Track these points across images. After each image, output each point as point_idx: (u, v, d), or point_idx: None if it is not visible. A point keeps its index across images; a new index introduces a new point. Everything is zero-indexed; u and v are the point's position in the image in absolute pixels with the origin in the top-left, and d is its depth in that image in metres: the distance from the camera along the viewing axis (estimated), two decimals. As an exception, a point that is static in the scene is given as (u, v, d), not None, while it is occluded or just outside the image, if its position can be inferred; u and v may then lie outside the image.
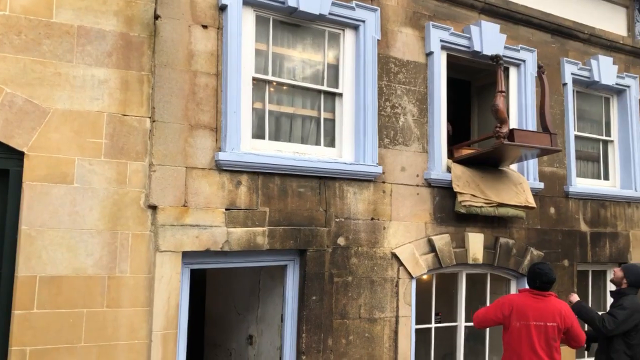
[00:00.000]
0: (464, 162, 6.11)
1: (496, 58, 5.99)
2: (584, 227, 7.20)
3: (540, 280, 4.76)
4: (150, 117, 4.56)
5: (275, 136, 5.33)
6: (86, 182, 4.27)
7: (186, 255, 4.64)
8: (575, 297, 5.52)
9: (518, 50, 6.68)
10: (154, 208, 4.50)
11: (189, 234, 4.60)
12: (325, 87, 5.55)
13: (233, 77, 4.86)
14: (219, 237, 4.72)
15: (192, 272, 6.86)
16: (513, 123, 6.67)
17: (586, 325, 5.52)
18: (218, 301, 6.73)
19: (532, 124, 6.69)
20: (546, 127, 6.00)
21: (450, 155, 6.26)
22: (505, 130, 5.63)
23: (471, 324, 6.35)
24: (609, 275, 7.55)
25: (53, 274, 4.12)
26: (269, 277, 5.64)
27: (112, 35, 4.46)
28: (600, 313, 5.36)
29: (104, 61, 4.41)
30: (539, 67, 6.28)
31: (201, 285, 7.21)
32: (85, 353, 4.18)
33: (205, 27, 4.85)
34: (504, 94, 5.83)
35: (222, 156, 4.72)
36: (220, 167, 4.76)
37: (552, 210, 6.88)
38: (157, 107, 4.58)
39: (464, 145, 6.41)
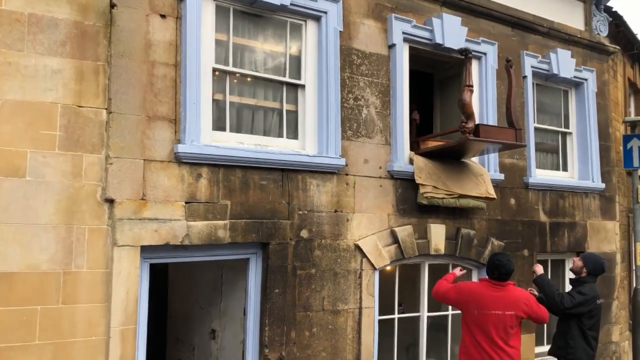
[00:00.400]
0: (426, 154, 6.16)
1: (465, 52, 6.00)
2: (543, 218, 7.35)
3: (498, 271, 4.85)
4: (106, 109, 4.44)
5: (237, 128, 5.26)
6: (40, 175, 4.14)
7: (145, 250, 4.55)
8: (539, 270, 5.69)
9: (479, 43, 6.75)
10: (111, 202, 4.39)
11: (147, 228, 4.51)
12: (287, 79, 5.50)
13: (192, 67, 4.77)
14: (179, 230, 4.64)
15: (154, 266, 6.78)
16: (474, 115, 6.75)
17: None
18: (181, 296, 6.64)
19: (492, 117, 6.78)
20: (512, 122, 6.05)
21: (417, 146, 6.30)
22: (471, 125, 5.66)
23: (434, 314, 6.49)
24: (568, 264, 7.75)
25: (5, 270, 3.99)
26: (231, 270, 5.59)
27: (66, 24, 4.32)
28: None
29: (57, 50, 4.27)
30: (507, 61, 6.25)
31: (164, 279, 7.11)
32: (39, 351, 4.06)
33: (163, 16, 4.74)
34: (471, 88, 5.83)
35: (181, 148, 4.63)
36: (179, 160, 4.68)
37: (513, 201, 7.00)
38: (114, 98, 4.46)
39: (429, 138, 6.45)
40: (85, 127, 4.34)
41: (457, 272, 5.56)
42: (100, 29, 4.45)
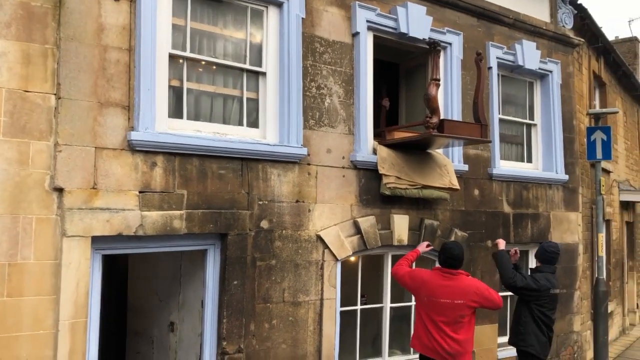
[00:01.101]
0: (391, 145, 6.10)
1: (434, 44, 5.87)
2: (507, 209, 7.38)
3: (444, 255, 4.92)
4: (55, 94, 4.26)
5: (195, 116, 5.12)
6: (-18, 162, 3.96)
7: (96, 241, 4.40)
8: (502, 245, 5.75)
9: (444, 33, 6.71)
10: (60, 191, 4.23)
11: (99, 218, 4.36)
12: (247, 66, 5.38)
13: (147, 52, 4.61)
14: (132, 221, 4.50)
15: (113, 257, 6.63)
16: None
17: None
18: (140, 288, 6.49)
19: (457, 108, 6.76)
20: (478, 118, 6.02)
21: (384, 135, 6.24)
22: (435, 120, 5.59)
23: (397, 304, 6.46)
24: (531, 255, 7.80)
25: (-56, 262, 3.81)
26: (189, 262, 5.46)
27: (11, 4, 4.13)
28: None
29: (1, 32, 4.07)
30: (477, 54, 6.15)
31: (123, 271, 6.95)
32: (-18, 346, 3.90)
33: (116, -1, 4.57)
34: (438, 82, 5.74)
35: (134, 136, 4.48)
36: (133, 148, 4.53)
37: (477, 192, 7.00)
38: (63, 83, 4.28)
39: (396, 129, 6.39)
40: (33, 112, 4.16)
41: (423, 248, 5.57)
42: (48, 10, 4.27)
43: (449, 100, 6.77)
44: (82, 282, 4.28)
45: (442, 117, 5.89)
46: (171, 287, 5.75)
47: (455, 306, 4.79)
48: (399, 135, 6.25)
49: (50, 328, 4.16)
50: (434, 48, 5.87)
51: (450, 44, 6.77)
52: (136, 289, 6.62)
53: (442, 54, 6.75)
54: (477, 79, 6.16)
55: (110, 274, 7.28)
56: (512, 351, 6.19)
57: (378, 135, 6.33)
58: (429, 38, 6.39)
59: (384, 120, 6.93)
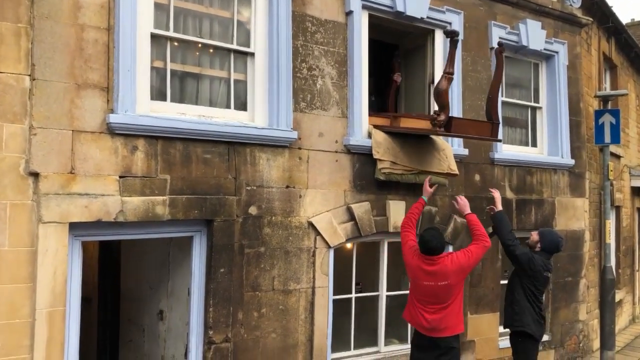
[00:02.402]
0: (391, 132, 5.88)
1: (451, 34, 5.35)
2: (509, 194, 7.15)
3: (422, 246, 4.83)
4: (30, 75, 4.10)
5: (180, 98, 4.94)
6: (-47, 146, 3.83)
7: (75, 227, 4.26)
8: (497, 196, 5.74)
9: (444, 12, 6.46)
10: (35, 175, 4.09)
11: (77, 204, 4.21)
12: (235, 46, 5.18)
13: (127, 32, 4.43)
14: (112, 206, 4.35)
15: (106, 244, 6.53)
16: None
17: None
18: (132, 275, 6.37)
19: (457, 90, 6.55)
20: (491, 115, 5.73)
21: (391, 118, 6.07)
22: (443, 118, 5.30)
23: (394, 293, 6.29)
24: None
25: None
26: (178, 249, 5.32)
27: (-19, -19, 3.97)
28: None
29: (-29, 10, 3.92)
30: (499, 45, 5.72)
31: (116, 258, 6.84)
32: (-46, 335, 3.79)
33: (94, -25, 4.38)
34: (451, 76, 5.34)
35: (114, 118, 4.32)
36: (112, 131, 4.37)
37: (477, 177, 6.78)
38: (38, 64, 4.12)
39: (403, 115, 6.16)
40: (5, 94, 4.01)
41: (428, 194, 5.37)
42: (21, -13, 4.10)
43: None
44: (59, 269, 4.15)
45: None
46: (160, 274, 5.62)
47: (439, 288, 4.79)
48: (405, 123, 5.99)
49: (26, 317, 4.04)
50: (451, 38, 5.36)
51: (450, 23, 6.52)
52: (127, 275, 6.51)
53: (441, 33, 6.51)
54: (494, 73, 5.78)
55: (104, 261, 7.20)
56: (512, 341, 5.99)
57: (384, 111, 6.21)
58: (428, 18, 6.14)
59: (393, 97, 6.74)
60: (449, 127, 5.39)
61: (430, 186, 5.43)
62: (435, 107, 6.37)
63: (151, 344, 5.78)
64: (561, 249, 5.73)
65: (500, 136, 6.89)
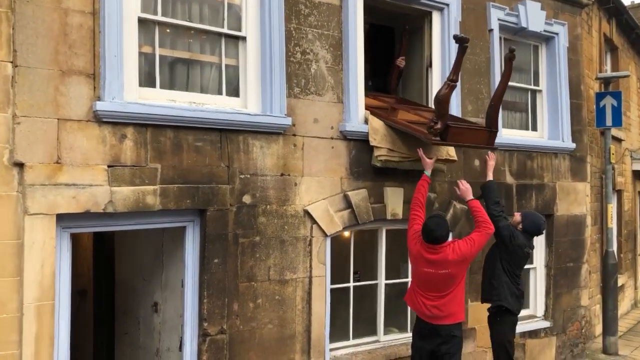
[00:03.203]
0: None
1: (461, 40, 5.03)
2: (509, 180, 7.02)
3: (426, 237, 4.76)
4: (12, 62, 3.95)
5: (170, 84, 4.80)
6: None
7: (63, 218, 4.13)
8: (490, 169, 5.79)
9: (441, -7, 6.29)
10: (20, 166, 3.94)
11: (64, 195, 4.08)
12: (226, 30, 5.02)
13: (113, 16, 4.27)
14: (101, 197, 4.22)
15: (101, 234, 6.42)
16: (435, 76, 6.35)
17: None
18: (126, 266, 6.26)
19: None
20: (490, 122, 5.57)
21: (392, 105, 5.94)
22: (439, 127, 5.10)
23: (393, 281, 6.19)
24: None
25: None
26: (171, 239, 5.20)
27: (-42, -36, 3.81)
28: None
29: (-52, -5, 3.77)
30: (510, 50, 5.39)
31: (111, 250, 6.73)
32: (-61, 331, 3.68)
33: (77, -42, 4.22)
34: (454, 84, 5.09)
35: (100, 106, 4.17)
36: (99, 119, 4.22)
37: (477, 162, 6.64)
38: (20, 50, 3.97)
39: (400, 108, 5.99)
40: (-14, 82, 3.87)
41: (429, 168, 5.34)
42: (1, -29, 3.94)
43: (447, 68, 6.35)
44: (47, 262, 4.03)
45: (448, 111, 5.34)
46: (154, 266, 5.51)
47: (439, 276, 4.74)
48: (402, 115, 5.81)
49: (14, 312, 3.93)
50: (460, 44, 5.03)
51: (447, 5, 6.36)
52: (122, 267, 6.39)
53: (438, 16, 6.36)
54: (501, 80, 5.55)
55: (99, 252, 7.10)
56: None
57: (387, 92, 6.23)
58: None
59: (396, 81, 6.58)
60: (446, 135, 5.24)
61: (429, 158, 5.33)
62: (433, 92, 6.30)
63: (146, 336, 5.68)
64: (542, 232, 5.78)
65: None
